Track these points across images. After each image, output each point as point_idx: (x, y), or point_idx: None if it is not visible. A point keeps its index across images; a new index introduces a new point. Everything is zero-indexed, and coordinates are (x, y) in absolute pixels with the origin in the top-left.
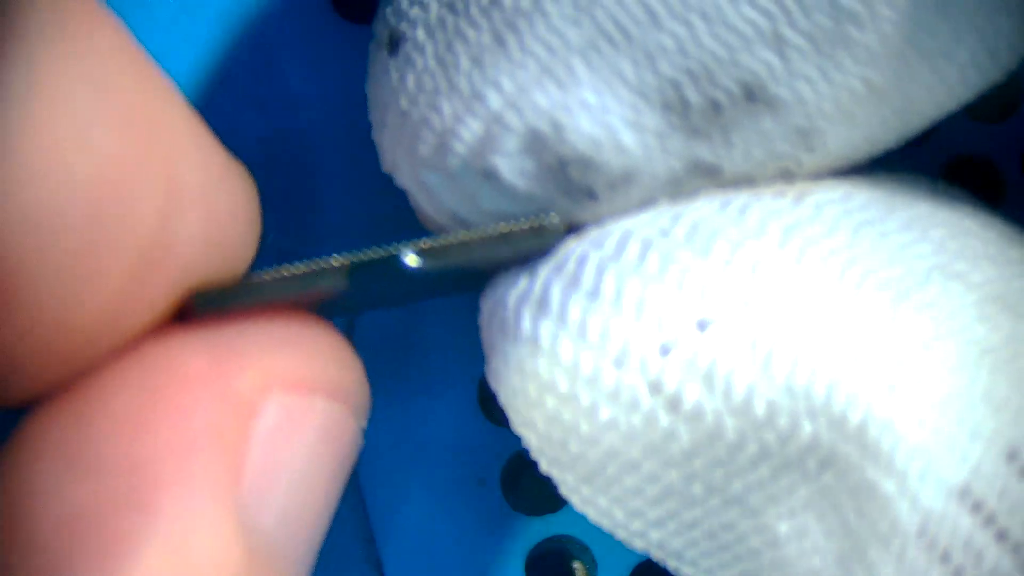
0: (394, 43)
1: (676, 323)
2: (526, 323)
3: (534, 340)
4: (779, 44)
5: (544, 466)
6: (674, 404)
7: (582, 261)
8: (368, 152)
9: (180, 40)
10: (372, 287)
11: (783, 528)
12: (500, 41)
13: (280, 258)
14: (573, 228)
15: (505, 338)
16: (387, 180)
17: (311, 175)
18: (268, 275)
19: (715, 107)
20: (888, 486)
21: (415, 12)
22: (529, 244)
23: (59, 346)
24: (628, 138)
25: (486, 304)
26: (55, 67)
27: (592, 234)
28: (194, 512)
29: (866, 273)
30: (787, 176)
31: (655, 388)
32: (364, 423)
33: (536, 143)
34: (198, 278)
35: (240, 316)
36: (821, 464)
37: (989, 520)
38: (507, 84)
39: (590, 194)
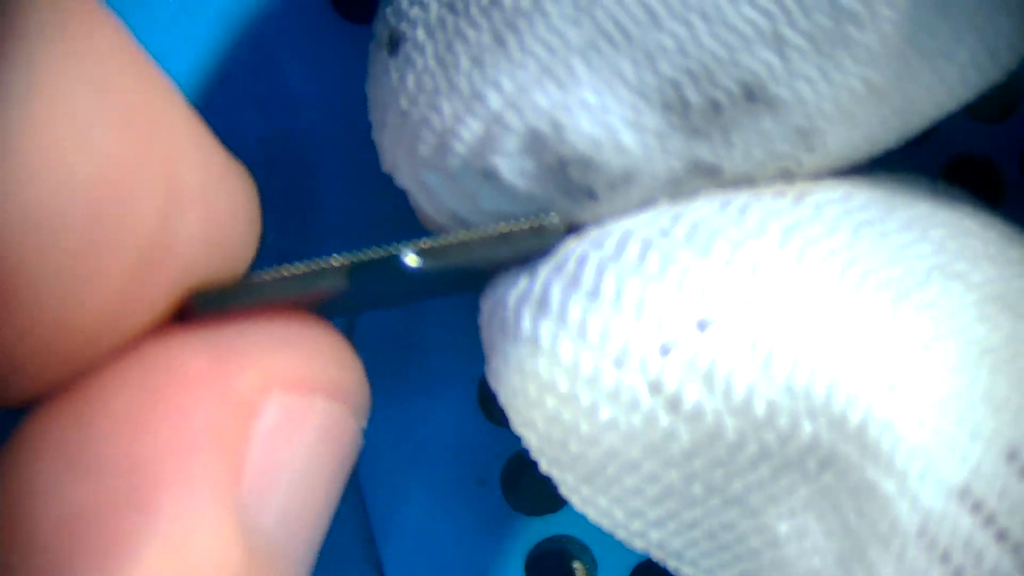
0: (394, 43)
1: (676, 323)
2: (526, 323)
3: (534, 340)
4: (779, 44)
5: (544, 466)
6: (674, 404)
7: (582, 261)
8: (368, 152)
9: (180, 40)
10: (372, 287)
11: (783, 528)
12: (500, 41)
13: (280, 258)
14: (573, 228)
15: (505, 338)
16: (387, 180)
17: (311, 175)
18: (268, 275)
19: (715, 107)
20: (888, 486)
21: (415, 12)
22: (529, 244)
23: (59, 346)
24: (628, 138)
25: (486, 304)
26: (55, 67)
27: (592, 234)
28: (194, 512)
29: (866, 273)
30: (787, 176)
31: (655, 388)
32: (364, 423)
33: (536, 143)
34: (198, 278)
35: (240, 316)
36: (821, 464)
37: (989, 520)
38: (507, 84)
39: (590, 194)
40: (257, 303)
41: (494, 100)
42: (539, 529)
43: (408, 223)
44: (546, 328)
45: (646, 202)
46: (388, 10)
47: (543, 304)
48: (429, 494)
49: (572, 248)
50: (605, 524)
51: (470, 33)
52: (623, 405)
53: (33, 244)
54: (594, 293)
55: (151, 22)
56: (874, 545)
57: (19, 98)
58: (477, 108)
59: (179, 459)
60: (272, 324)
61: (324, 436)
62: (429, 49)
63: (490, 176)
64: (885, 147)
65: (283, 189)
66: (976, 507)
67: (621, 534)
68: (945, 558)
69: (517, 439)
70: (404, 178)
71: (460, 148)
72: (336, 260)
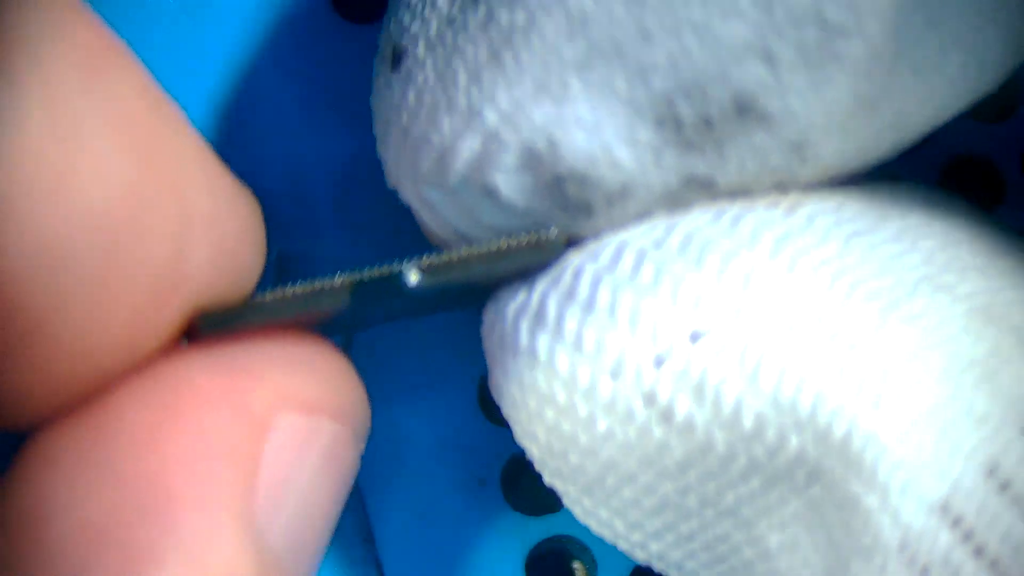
0: (396, 58)
1: (670, 335)
2: (523, 336)
3: (532, 352)
4: (769, 59)
5: (547, 478)
6: (667, 416)
7: (578, 273)
8: (369, 150)
9: (180, 41)
10: (374, 305)
11: (775, 540)
12: (496, 57)
13: (280, 259)
14: (573, 242)
15: (504, 351)
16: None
17: (311, 175)
18: (270, 295)
19: (707, 122)
20: (871, 500)
21: (416, 27)
22: (530, 259)
23: (73, 371)
24: (623, 153)
25: (487, 317)
26: (72, 99)
27: (589, 246)
28: (211, 526)
29: (855, 284)
30: (782, 187)
31: (649, 400)
32: (363, 446)
33: (532, 160)
34: (206, 301)
35: (244, 336)
36: (809, 477)
37: (967, 536)
38: (503, 100)
39: (588, 209)
40: (260, 323)
41: (491, 117)
42: (539, 529)
43: (407, 222)
44: (543, 340)
45: (643, 215)
46: (391, 24)
47: (540, 317)
48: (429, 494)
49: (569, 261)
50: (607, 535)
51: (468, 49)
52: (619, 416)
53: (51, 274)
54: (589, 305)
55: (151, 23)
56: (857, 559)
57: (37, 130)
58: (475, 125)
59: (195, 474)
60: (280, 345)
61: (329, 456)
62: (429, 64)
63: (489, 193)
64: (879, 158)
65: (283, 189)
66: (955, 522)
67: (623, 545)
68: (924, 573)
69: None
70: (407, 194)
71: (459, 165)
72: (338, 280)
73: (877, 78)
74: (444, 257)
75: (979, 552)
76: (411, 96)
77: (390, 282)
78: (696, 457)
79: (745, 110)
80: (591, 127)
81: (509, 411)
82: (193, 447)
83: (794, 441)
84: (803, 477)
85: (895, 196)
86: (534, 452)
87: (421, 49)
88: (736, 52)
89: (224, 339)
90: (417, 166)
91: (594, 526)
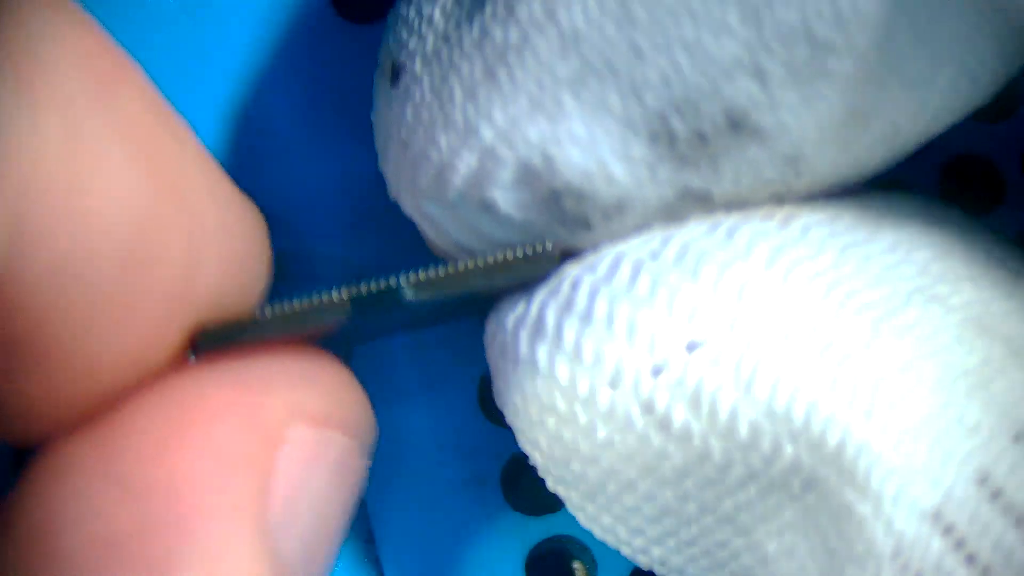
0: (395, 74)
1: (666, 345)
2: (523, 346)
3: (532, 362)
4: (760, 75)
5: (551, 484)
6: (664, 424)
7: (576, 285)
8: (368, 150)
9: (180, 41)
10: (374, 319)
11: (772, 547)
12: (491, 75)
13: (279, 259)
14: (570, 254)
15: (505, 360)
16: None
17: (310, 175)
18: (270, 311)
19: (701, 137)
20: (864, 508)
21: (414, 43)
22: (527, 271)
23: (85, 387)
24: (618, 169)
25: (489, 327)
26: (88, 119)
27: (587, 258)
28: (227, 535)
29: (849, 295)
30: (778, 199)
31: (647, 408)
32: (369, 460)
33: (529, 176)
34: (212, 316)
35: (244, 351)
36: (804, 485)
37: (959, 544)
38: (499, 117)
39: (585, 223)
40: (260, 339)
41: (487, 133)
42: (539, 529)
43: (406, 221)
44: (543, 351)
45: (642, 228)
46: (390, 39)
47: (539, 327)
48: (429, 494)
49: (567, 272)
50: (610, 540)
51: (463, 66)
52: (618, 425)
53: (65, 292)
54: (587, 316)
55: (151, 23)
56: (852, 566)
57: (54, 150)
58: (471, 141)
59: (210, 484)
60: (290, 360)
61: (339, 469)
62: (426, 81)
63: (488, 207)
64: (874, 169)
65: (283, 189)
66: (947, 530)
67: (626, 550)
68: None
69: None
70: (408, 207)
71: (457, 181)
72: (336, 294)
73: (868, 93)
74: (442, 271)
75: (971, 560)
76: (409, 112)
77: (389, 295)
78: (694, 465)
79: (738, 125)
80: (586, 143)
81: (512, 419)
82: (207, 458)
83: (789, 450)
84: (798, 485)
85: (890, 207)
86: (537, 459)
87: (418, 66)
88: (727, 69)
89: (227, 354)
90: (416, 181)
91: (597, 531)
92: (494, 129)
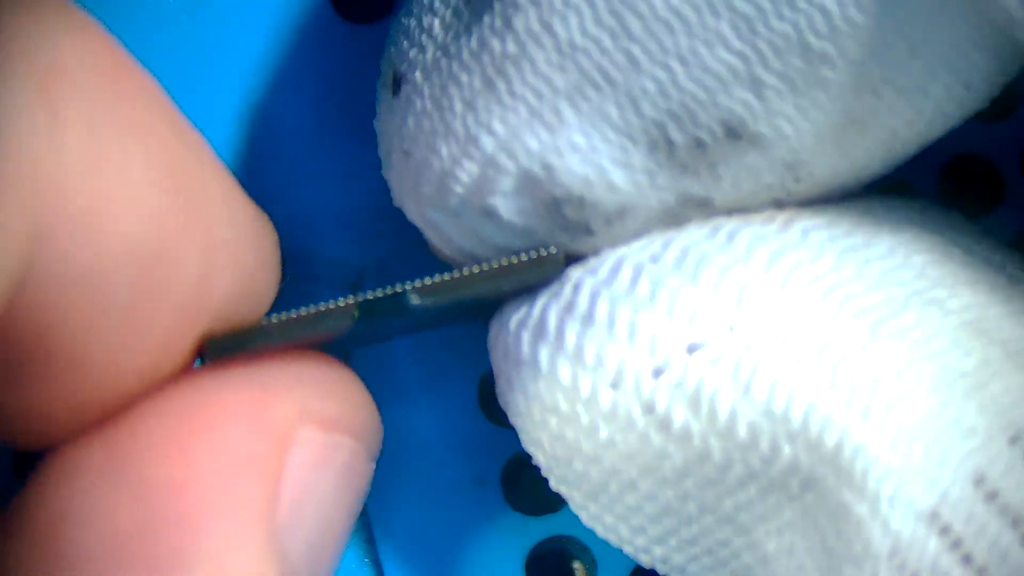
0: (397, 83)
1: (667, 347)
2: (526, 347)
3: (534, 364)
4: (755, 85)
5: (554, 484)
6: (665, 425)
7: (577, 287)
8: (369, 151)
9: (180, 41)
10: (379, 325)
11: (772, 546)
12: (490, 86)
13: (282, 262)
14: (574, 258)
15: (508, 362)
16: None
17: (311, 175)
18: (276, 318)
19: (699, 145)
20: (861, 509)
21: (414, 54)
22: (531, 276)
23: (98, 394)
24: (618, 177)
25: (492, 329)
26: (108, 131)
27: (589, 262)
28: (236, 536)
29: (848, 298)
30: (778, 204)
31: (648, 409)
32: (374, 464)
33: (530, 184)
34: (222, 324)
35: (252, 358)
36: (802, 485)
37: (956, 544)
38: (499, 127)
39: (587, 229)
40: (266, 346)
41: (487, 143)
42: (539, 529)
43: (407, 223)
44: (545, 352)
45: (642, 232)
46: (392, 50)
47: (541, 329)
48: (429, 494)
49: (569, 275)
50: (612, 539)
51: (463, 77)
52: (619, 425)
53: (82, 302)
54: (589, 318)
55: (151, 23)
56: (849, 565)
57: (76, 162)
58: (472, 151)
59: (219, 485)
60: (298, 364)
61: (346, 472)
62: (426, 91)
63: (490, 214)
64: (873, 174)
65: (283, 189)
66: (944, 531)
67: (628, 549)
68: None
69: (517, 439)
70: (411, 214)
71: (459, 189)
72: (342, 301)
73: (864, 101)
74: (446, 277)
75: (967, 560)
76: (411, 122)
77: (396, 301)
78: (694, 465)
79: (735, 133)
80: (585, 152)
81: (515, 420)
82: (216, 460)
83: (787, 450)
84: (797, 485)
85: (889, 211)
86: (540, 459)
87: (419, 76)
88: (722, 79)
89: (230, 362)
90: (419, 189)
91: (600, 530)
92: (494, 139)
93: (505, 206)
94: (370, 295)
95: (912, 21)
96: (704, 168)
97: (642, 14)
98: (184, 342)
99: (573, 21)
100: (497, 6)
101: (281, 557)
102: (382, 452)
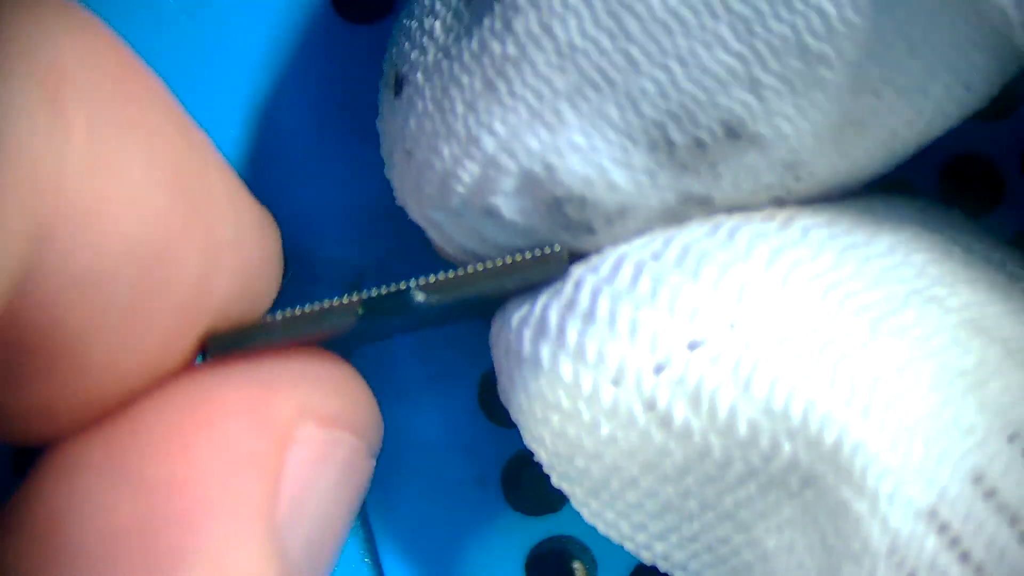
0: (398, 84)
1: (668, 344)
2: (527, 345)
3: (535, 361)
4: (754, 85)
5: (555, 481)
6: (665, 421)
7: (578, 285)
8: (369, 150)
9: (180, 40)
10: (382, 323)
11: (772, 543)
12: (491, 87)
13: (284, 260)
14: (577, 256)
15: (510, 359)
16: (385, 177)
17: (310, 175)
18: (280, 316)
19: (699, 145)
20: (860, 507)
21: (415, 55)
22: (535, 274)
23: (99, 392)
24: (619, 176)
25: (494, 327)
26: (111, 130)
27: (591, 259)
28: (236, 532)
29: (847, 296)
30: (779, 202)
31: (649, 406)
32: (375, 461)
33: (531, 184)
34: (224, 322)
35: (254, 355)
36: (802, 482)
37: (954, 542)
38: (500, 128)
39: (588, 228)
40: (269, 343)
41: (488, 144)
42: (539, 529)
43: (407, 223)
44: (546, 349)
45: (644, 230)
46: (394, 51)
47: (542, 327)
48: (429, 494)
49: (571, 272)
50: (613, 536)
51: (463, 78)
52: (621, 422)
53: (85, 300)
54: (590, 316)
55: (151, 22)
56: (848, 562)
57: (79, 161)
58: (473, 151)
59: (219, 482)
60: (300, 361)
61: (347, 469)
62: (428, 93)
63: (492, 214)
64: (873, 173)
65: (283, 188)
66: (942, 529)
67: (629, 546)
68: None
69: (517, 439)
70: (413, 214)
71: (461, 189)
72: (346, 299)
73: (863, 102)
74: (450, 275)
75: (965, 558)
76: (412, 122)
77: (399, 299)
78: (695, 462)
79: (735, 133)
80: (586, 152)
81: (516, 417)
82: (217, 456)
83: (787, 447)
84: (796, 482)
85: (889, 209)
86: (542, 456)
87: (420, 77)
88: (722, 80)
89: (232, 359)
90: (421, 189)
91: (601, 527)
92: (495, 139)
93: (507, 206)
94: (374, 292)
95: (912, 21)
96: (704, 168)
97: (640, 16)
98: (185, 341)
99: (572, 23)
100: (497, 8)
101: (281, 554)
102: (382, 451)
